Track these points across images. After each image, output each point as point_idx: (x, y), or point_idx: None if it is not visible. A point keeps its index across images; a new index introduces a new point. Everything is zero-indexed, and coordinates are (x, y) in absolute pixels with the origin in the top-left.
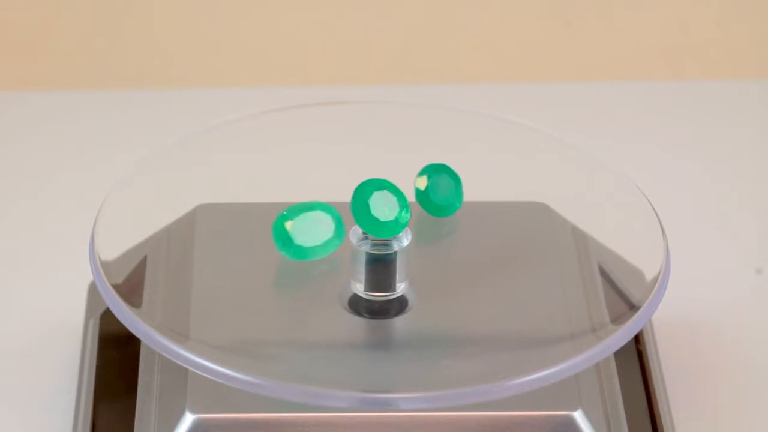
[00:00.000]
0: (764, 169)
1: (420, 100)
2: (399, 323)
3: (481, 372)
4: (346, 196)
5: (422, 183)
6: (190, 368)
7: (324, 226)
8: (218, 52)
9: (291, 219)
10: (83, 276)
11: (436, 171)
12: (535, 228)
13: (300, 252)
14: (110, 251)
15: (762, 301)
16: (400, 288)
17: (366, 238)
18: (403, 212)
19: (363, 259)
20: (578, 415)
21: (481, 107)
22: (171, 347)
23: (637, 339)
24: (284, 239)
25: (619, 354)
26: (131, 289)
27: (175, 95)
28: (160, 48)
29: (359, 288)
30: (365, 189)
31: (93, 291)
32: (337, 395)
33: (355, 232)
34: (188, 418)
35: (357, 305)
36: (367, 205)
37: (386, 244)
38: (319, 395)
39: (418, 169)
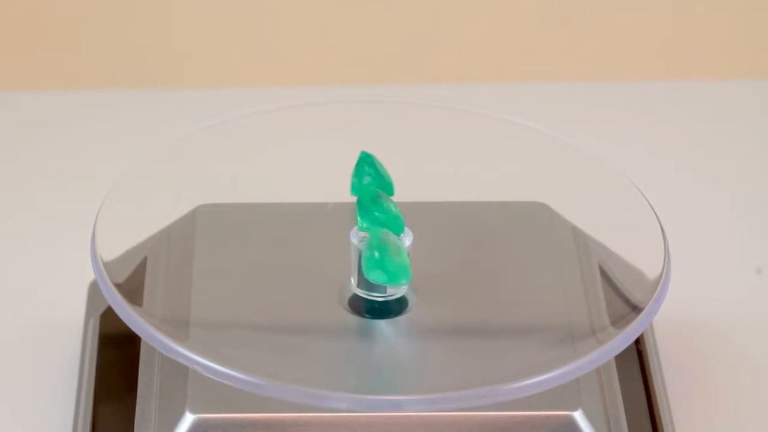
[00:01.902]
0: (764, 169)
1: (420, 100)
2: (399, 324)
3: (482, 375)
4: (346, 196)
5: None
6: (191, 367)
7: (397, 241)
8: (218, 52)
9: (378, 250)
10: (83, 276)
11: (364, 161)
12: (535, 228)
13: (405, 275)
14: (111, 251)
15: (762, 301)
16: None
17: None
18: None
19: None
20: (578, 415)
21: (481, 107)
22: (173, 346)
23: (638, 339)
24: (386, 275)
25: (619, 354)
26: (132, 289)
27: (175, 95)
28: (160, 48)
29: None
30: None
31: (93, 291)
32: (337, 396)
33: (356, 234)
34: (188, 418)
35: (357, 305)
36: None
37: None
38: (319, 396)
39: (417, 168)
